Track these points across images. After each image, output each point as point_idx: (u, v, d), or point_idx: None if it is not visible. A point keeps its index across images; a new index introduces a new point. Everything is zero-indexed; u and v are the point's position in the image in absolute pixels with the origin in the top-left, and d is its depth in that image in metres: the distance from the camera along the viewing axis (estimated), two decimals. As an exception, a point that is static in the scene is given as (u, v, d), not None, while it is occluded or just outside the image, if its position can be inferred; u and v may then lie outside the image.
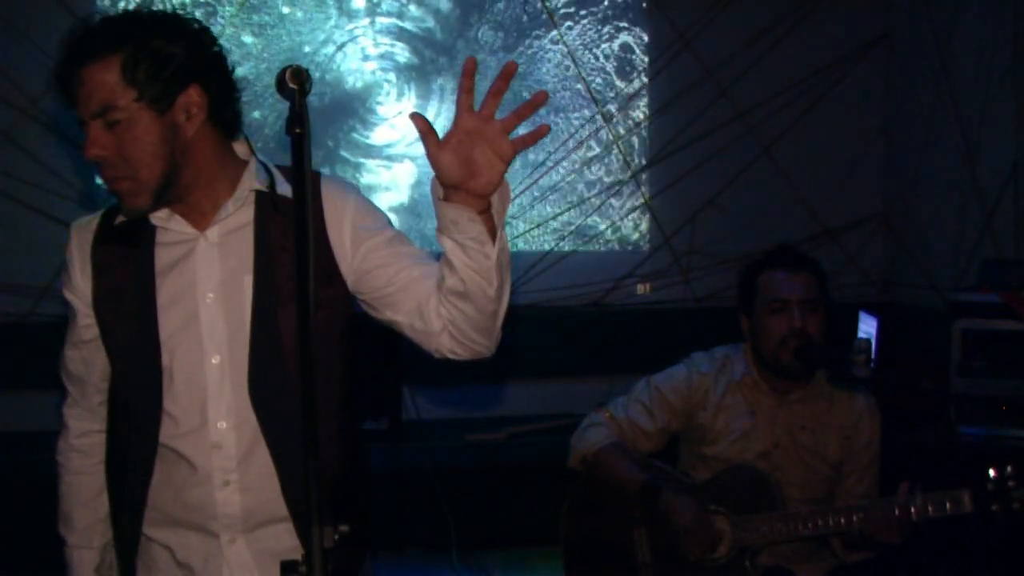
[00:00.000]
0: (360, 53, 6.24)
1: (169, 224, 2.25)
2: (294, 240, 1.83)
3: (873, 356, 5.13)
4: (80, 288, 2.32)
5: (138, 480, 2.29)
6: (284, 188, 2.27)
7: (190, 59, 2.14)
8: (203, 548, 2.28)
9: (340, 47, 6.20)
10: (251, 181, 2.26)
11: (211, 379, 2.23)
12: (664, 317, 6.44)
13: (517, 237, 6.39)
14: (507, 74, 1.98)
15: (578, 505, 3.55)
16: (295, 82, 1.82)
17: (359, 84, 6.26)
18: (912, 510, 3.11)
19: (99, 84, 2.10)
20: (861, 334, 5.29)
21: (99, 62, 2.10)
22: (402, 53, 6.31)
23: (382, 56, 6.28)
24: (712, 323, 6.11)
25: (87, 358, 2.37)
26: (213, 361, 2.23)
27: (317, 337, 1.98)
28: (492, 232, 2.06)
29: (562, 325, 6.37)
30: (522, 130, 2.03)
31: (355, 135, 6.30)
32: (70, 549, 2.45)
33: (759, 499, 3.30)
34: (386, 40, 6.27)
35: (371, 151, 6.34)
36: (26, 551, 4.75)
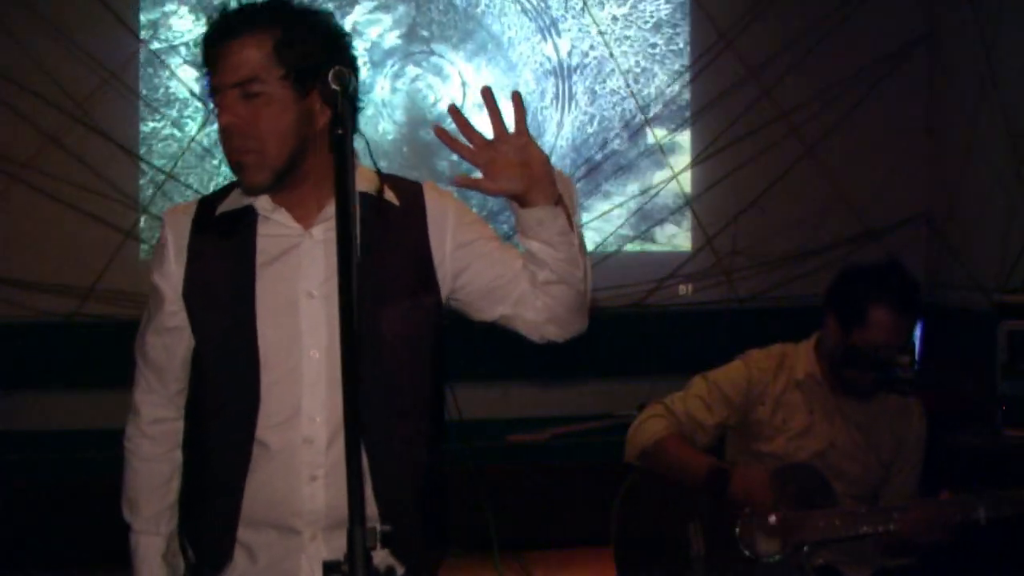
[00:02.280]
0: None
1: (274, 215, 2.28)
2: (397, 243, 2.03)
3: (917, 358, 5.09)
4: (173, 274, 2.31)
5: (233, 471, 2.27)
6: (390, 195, 2.33)
7: (333, 53, 2.21)
8: (282, 544, 2.28)
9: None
10: (359, 182, 2.27)
11: (307, 373, 2.24)
12: (707, 318, 6.41)
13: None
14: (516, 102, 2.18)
15: (630, 500, 3.53)
16: (337, 83, 1.84)
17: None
18: (946, 514, 3.12)
19: (248, 57, 2.17)
20: (904, 336, 5.25)
21: (254, 35, 2.17)
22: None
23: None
24: (755, 323, 6.13)
25: (169, 345, 2.36)
26: (312, 356, 2.24)
27: (412, 339, 2.23)
28: (569, 220, 2.24)
29: (604, 326, 6.31)
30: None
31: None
32: (136, 535, 2.42)
33: (815, 497, 3.28)
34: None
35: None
36: (81, 546, 4.81)
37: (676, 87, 6.52)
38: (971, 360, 5.04)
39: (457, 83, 6.35)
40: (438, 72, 6.34)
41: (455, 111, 2.17)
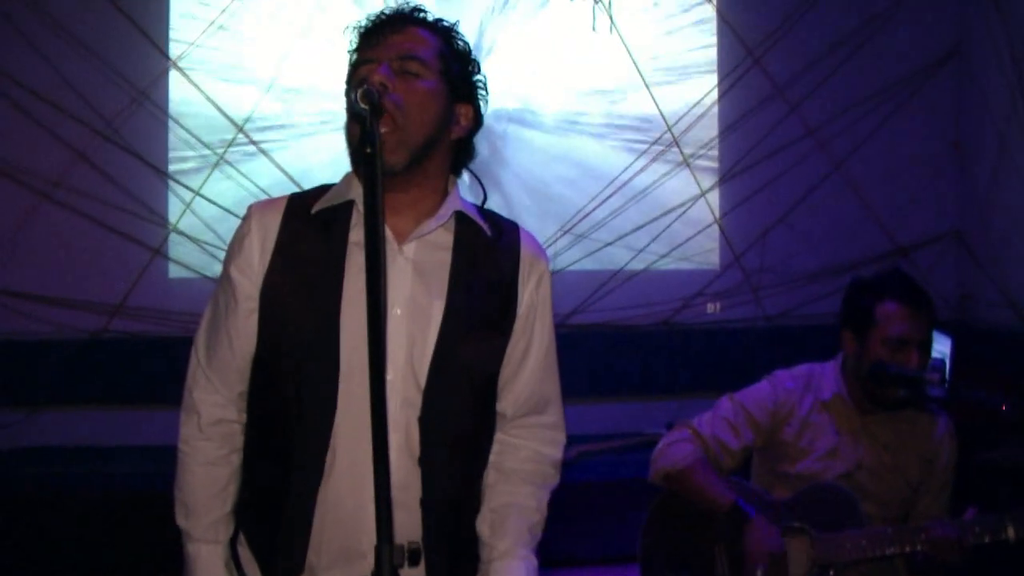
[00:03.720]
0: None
1: None
2: (487, 274, 2.08)
3: (947, 376, 5.05)
4: (255, 269, 2.27)
5: (307, 480, 2.23)
6: (486, 226, 2.35)
7: (479, 85, 2.37)
8: (346, 566, 2.24)
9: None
10: (455, 202, 2.31)
11: None
12: (734, 336, 6.39)
13: (588, 255, 6.38)
14: None
15: (658, 520, 3.52)
16: (366, 103, 1.84)
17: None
18: (973, 533, 3.09)
19: (420, 40, 2.26)
20: (935, 354, 5.20)
21: (425, 31, 2.29)
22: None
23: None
24: (783, 342, 6.11)
25: (237, 342, 2.31)
26: (387, 376, 2.18)
27: (487, 374, 2.32)
28: None
29: (632, 344, 6.34)
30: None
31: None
32: (196, 544, 2.33)
33: (841, 517, 3.26)
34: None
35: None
36: (100, 562, 4.83)
37: (704, 104, 6.51)
38: (1002, 377, 5.00)
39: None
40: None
41: None
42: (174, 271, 6.00)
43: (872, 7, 6.48)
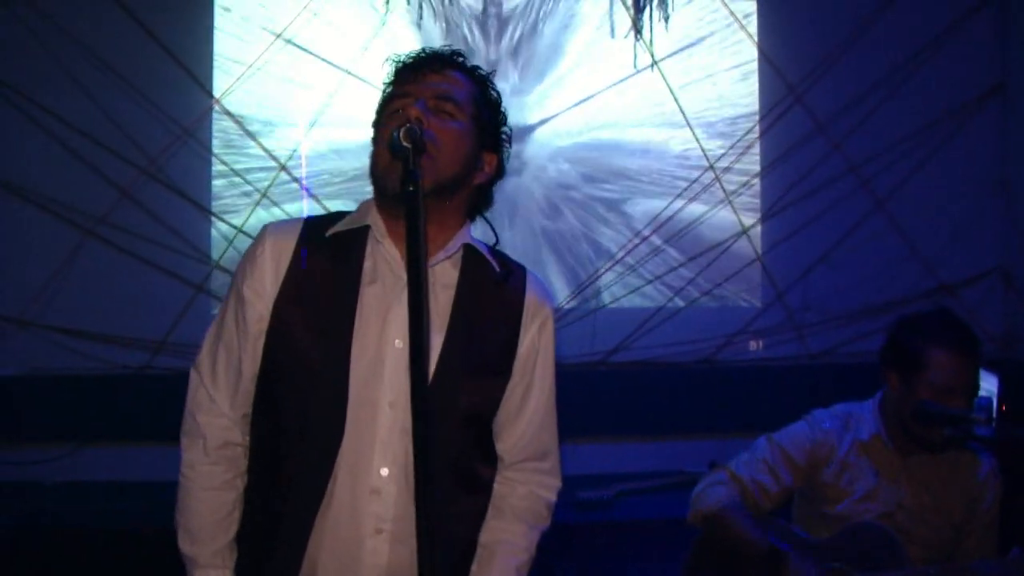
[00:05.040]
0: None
1: (384, 241, 2.30)
2: (492, 312, 2.15)
3: (994, 415, 5.00)
4: (267, 291, 2.29)
5: (307, 507, 2.23)
6: (495, 263, 2.39)
7: (505, 136, 2.44)
8: None
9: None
10: (465, 237, 2.35)
11: (382, 423, 2.23)
12: (777, 374, 6.34)
13: (629, 293, 6.36)
14: None
15: (698, 562, 3.49)
16: (408, 140, 1.85)
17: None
18: (1019, 573, 3.04)
19: (457, 83, 2.32)
20: (981, 392, 5.14)
21: (463, 75, 2.35)
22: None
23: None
24: (827, 380, 6.06)
25: (246, 363, 2.31)
26: (386, 407, 2.22)
27: (486, 415, 2.35)
28: None
29: (674, 381, 6.30)
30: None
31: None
32: (202, 570, 2.33)
33: (883, 557, 3.22)
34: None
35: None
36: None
37: (746, 141, 6.49)
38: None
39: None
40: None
41: None
42: (217, 307, 6.01)
43: (914, 43, 6.45)
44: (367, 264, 2.29)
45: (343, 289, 2.26)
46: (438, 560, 2.19)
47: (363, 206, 2.38)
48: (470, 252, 2.35)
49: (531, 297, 2.41)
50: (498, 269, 2.38)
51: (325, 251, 2.30)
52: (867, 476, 3.36)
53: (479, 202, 2.45)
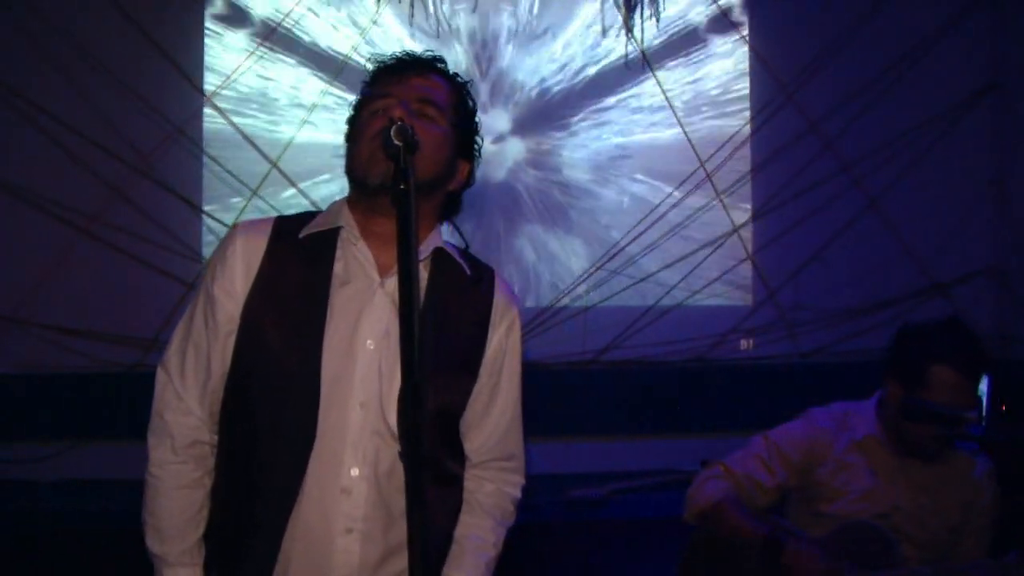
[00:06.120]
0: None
1: (358, 244, 2.31)
2: (460, 312, 2.17)
3: (985, 414, 5.00)
4: (237, 289, 2.29)
5: (279, 508, 2.23)
6: (466, 266, 2.40)
7: (478, 146, 2.46)
8: None
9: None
10: (436, 241, 2.36)
11: (352, 424, 2.23)
12: (769, 373, 6.35)
13: (622, 291, 6.37)
14: None
15: (693, 559, 3.49)
16: (400, 139, 1.85)
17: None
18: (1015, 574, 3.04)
19: (439, 88, 2.34)
20: (973, 391, 5.16)
21: (445, 81, 2.37)
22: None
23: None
24: (818, 378, 6.07)
25: (215, 362, 2.31)
26: (358, 408, 2.23)
27: (456, 411, 2.34)
28: None
29: (665, 380, 6.31)
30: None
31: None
32: (171, 568, 2.32)
33: (879, 557, 3.21)
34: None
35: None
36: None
37: (737, 140, 6.50)
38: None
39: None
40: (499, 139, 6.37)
41: None
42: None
43: (908, 41, 6.45)
44: (339, 265, 2.29)
45: (314, 290, 2.26)
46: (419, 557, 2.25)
47: (334, 206, 2.38)
48: (440, 254, 2.36)
49: (499, 299, 2.43)
50: (469, 272, 2.39)
51: (296, 253, 2.31)
52: (863, 476, 3.35)
53: (450, 208, 2.47)
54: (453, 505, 2.43)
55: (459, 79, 2.43)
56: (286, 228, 2.35)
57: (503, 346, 2.41)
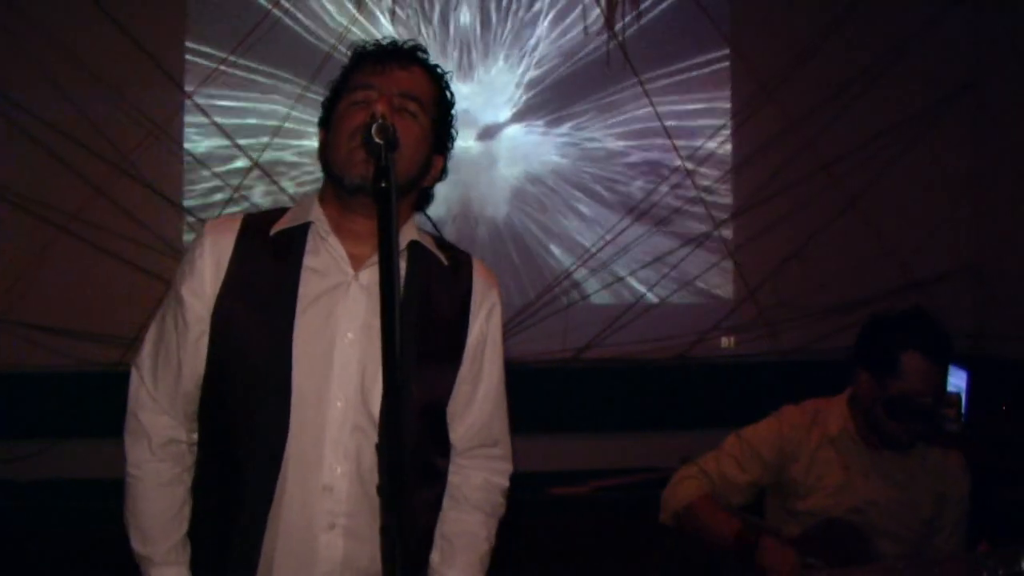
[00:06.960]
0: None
1: (329, 239, 2.30)
2: (439, 303, 2.16)
3: (964, 411, 5.03)
4: (207, 290, 2.27)
5: (257, 508, 2.22)
6: (439, 253, 2.40)
7: (452, 139, 2.45)
8: None
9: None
10: (411, 233, 2.35)
11: (332, 421, 2.22)
12: (749, 370, 6.37)
13: (601, 289, 6.38)
14: None
15: (671, 556, 3.50)
16: (381, 137, 1.85)
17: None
18: (988, 567, 3.05)
19: (421, 82, 2.33)
20: (951, 388, 5.19)
21: (428, 76, 2.36)
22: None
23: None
24: (798, 376, 6.07)
25: (188, 364, 2.30)
26: (337, 404, 2.22)
27: (440, 403, 2.33)
28: None
29: (646, 378, 6.32)
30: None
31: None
32: (158, 568, 2.32)
33: (854, 553, 3.23)
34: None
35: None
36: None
37: (718, 138, 6.51)
38: (1019, 412, 4.97)
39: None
40: (489, 135, 6.37)
41: None
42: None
43: (887, 41, 6.48)
44: (310, 259, 2.29)
45: (284, 286, 2.25)
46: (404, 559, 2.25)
47: (305, 201, 2.38)
48: (416, 246, 2.36)
49: (478, 283, 2.42)
50: (445, 262, 2.39)
51: (265, 250, 2.29)
52: (836, 471, 3.37)
53: (422, 202, 2.47)
54: (436, 499, 2.42)
55: (440, 71, 2.42)
56: (255, 225, 2.34)
57: (484, 331, 2.41)
